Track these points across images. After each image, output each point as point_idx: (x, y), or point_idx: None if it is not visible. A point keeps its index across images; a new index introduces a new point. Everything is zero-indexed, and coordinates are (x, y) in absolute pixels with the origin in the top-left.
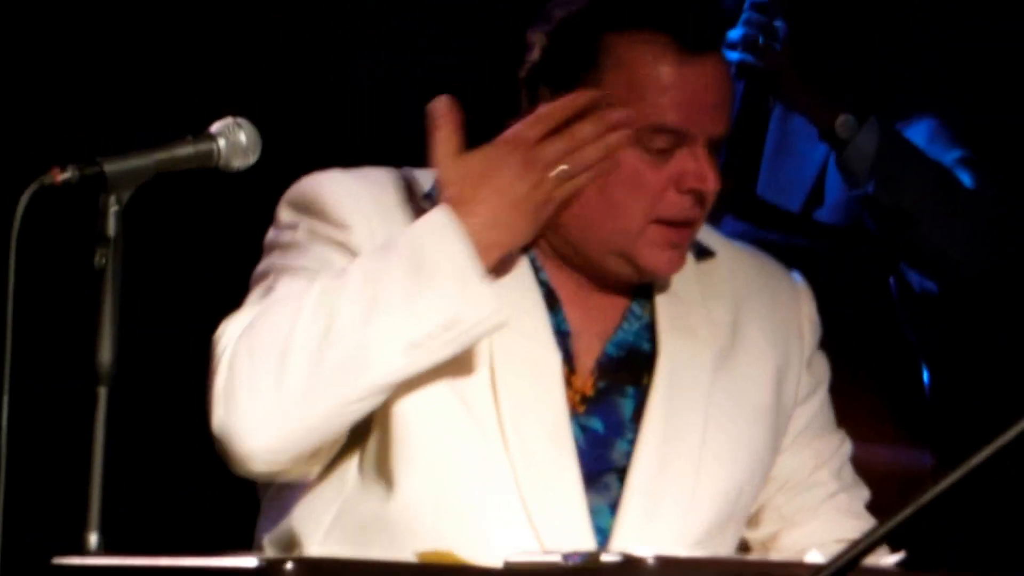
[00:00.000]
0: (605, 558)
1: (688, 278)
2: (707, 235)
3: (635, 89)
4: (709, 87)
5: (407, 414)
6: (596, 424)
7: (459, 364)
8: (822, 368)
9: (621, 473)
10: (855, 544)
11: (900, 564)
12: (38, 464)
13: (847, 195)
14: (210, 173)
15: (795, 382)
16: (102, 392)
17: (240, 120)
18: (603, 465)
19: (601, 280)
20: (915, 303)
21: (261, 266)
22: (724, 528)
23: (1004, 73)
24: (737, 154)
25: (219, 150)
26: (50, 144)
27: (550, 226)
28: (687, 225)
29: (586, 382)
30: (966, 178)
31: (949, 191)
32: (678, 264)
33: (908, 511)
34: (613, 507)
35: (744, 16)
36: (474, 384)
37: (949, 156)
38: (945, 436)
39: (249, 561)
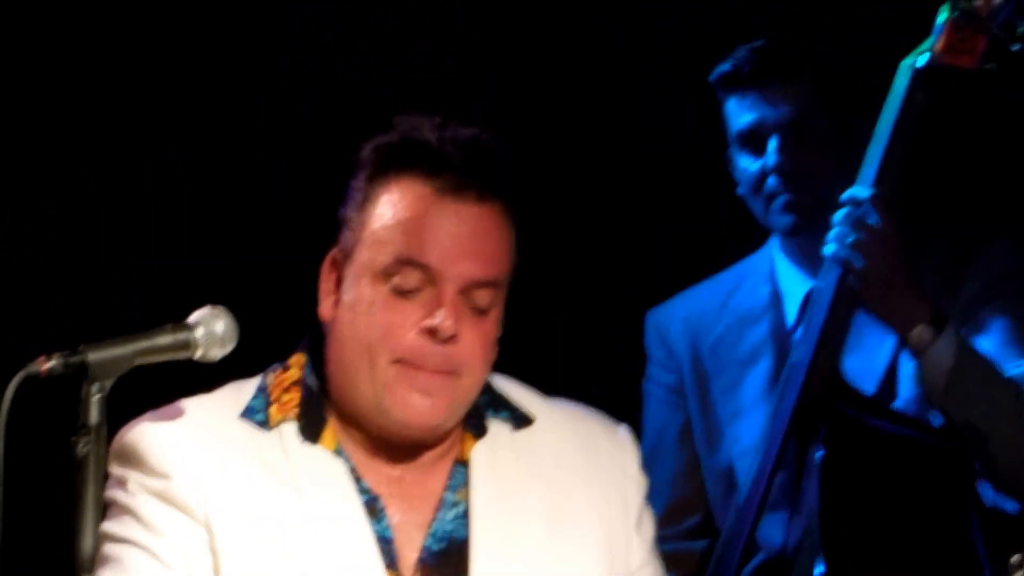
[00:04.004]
0: None
1: (504, 454)
2: (526, 399)
3: (394, 226)
4: (463, 229)
5: None
6: None
7: None
8: (650, 528)
9: None
10: None
11: None
12: None
13: (920, 393)
14: None
15: (625, 550)
16: None
17: (217, 309)
18: None
19: (409, 459)
20: (986, 517)
21: (109, 524)
22: None
23: None
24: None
25: (197, 340)
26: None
27: (332, 401)
28: (439, 373)
29: None
30: None
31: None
32: (432, 416)
33: None
34: None
35: (842, 213)
36: None
37: (1020, 367)
38: None
39: None
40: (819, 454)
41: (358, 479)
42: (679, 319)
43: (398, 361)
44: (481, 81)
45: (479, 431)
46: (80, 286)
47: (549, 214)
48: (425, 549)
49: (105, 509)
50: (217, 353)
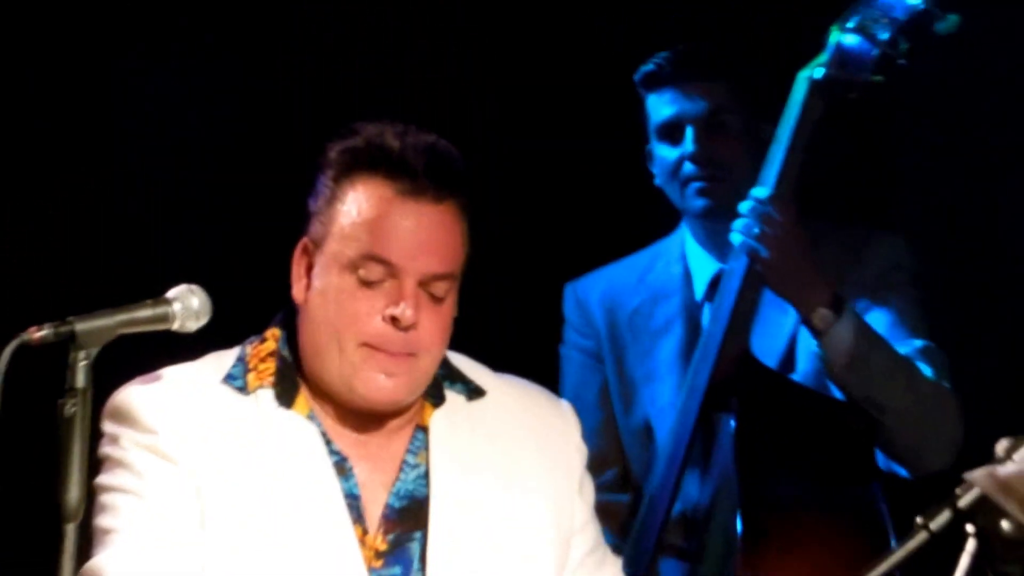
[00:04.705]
0: None
1: (460, 421)
2: (479, 374)
3: (360, 224)
4: (421, 228)
5: None
6: (395, 570)
7: (264, 542)
8: (591, 492)
9: None
10: None
11: None
12: None
13: (816, 367)
14: None
15: (569, 511)
16: (69, 528)
17: (193, 287)
18: None
19: (375, 426)
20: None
21: (103, 477)
22: None
23: None
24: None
25: (174, 314)
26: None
27: (304, 371)
28: (400, 355)
29: (377, 538)
30: (927, 369)
31: (917, 387)
32: (394, 393)
33: None
34: None
35: (748, 206)
36: (282, 559)
37: (910, 345)
38: None
39: None
40: (732, 423)
41: (328, 442)
42: (598, 291)
43: (364, 345)
44: (480, 80)
45: (438, 401)
46: (67, 264)
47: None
48: (388, 506)
49: (99, 464)
50: (192, 325)
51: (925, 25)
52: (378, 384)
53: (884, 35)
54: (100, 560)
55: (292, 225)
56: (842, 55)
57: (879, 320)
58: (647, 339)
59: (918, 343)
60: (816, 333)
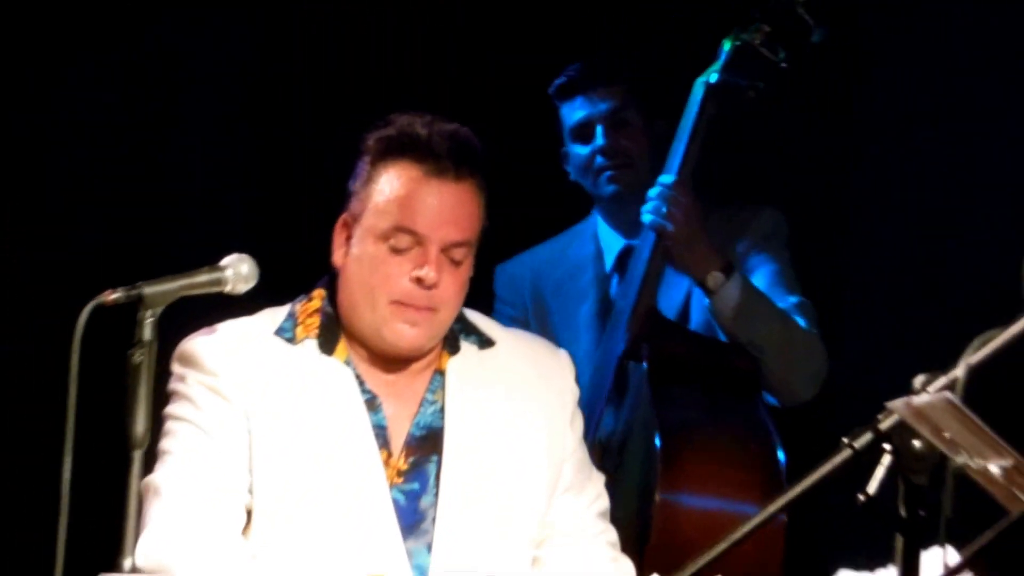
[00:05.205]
0: None
1: (472, 367)
2: (490, 327)
3: (392, 200)
4: (444, 204)
5: (281, 507)
6: (414, 486)
7: (305, 464)
8: (580, 424)
9: (434, 520)
10: None
11: None
12: (90, 508)
13: (708, 319)
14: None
15: (562, 439)
16: (137, 454)
17: (243, 255)
18: (420, 516)
19: (400, 369)
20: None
21: (170, 408)
22: (514, 552)
23: None
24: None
25: (227, 278)
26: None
27: (343, 325)
28: (423, 309)
29: (399, 460)
30: (801, 320)
31: (791, 334)
32: (416, 340)
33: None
34: (429, 547)
35: (656, 190)
36: (319, 477)
37: (787, 301)
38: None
39: None
40: (644, 366)
41: (361, 383)
42: (525, 268)
43: (394, 302)
44: (479, 78)
45: (454, 349)
46: (134, 235)
47: None
48: (410, 435)
49: (167, 398)
50: (242, 288)
51: (801, 36)
52: (404, 333)
53: (765, 46)
54: (158, 475)
55: (323, 204)
56: (732, 63)
57: (761, 280)
58: (569, 304)
59: (793, 299)
60: (709, 293)
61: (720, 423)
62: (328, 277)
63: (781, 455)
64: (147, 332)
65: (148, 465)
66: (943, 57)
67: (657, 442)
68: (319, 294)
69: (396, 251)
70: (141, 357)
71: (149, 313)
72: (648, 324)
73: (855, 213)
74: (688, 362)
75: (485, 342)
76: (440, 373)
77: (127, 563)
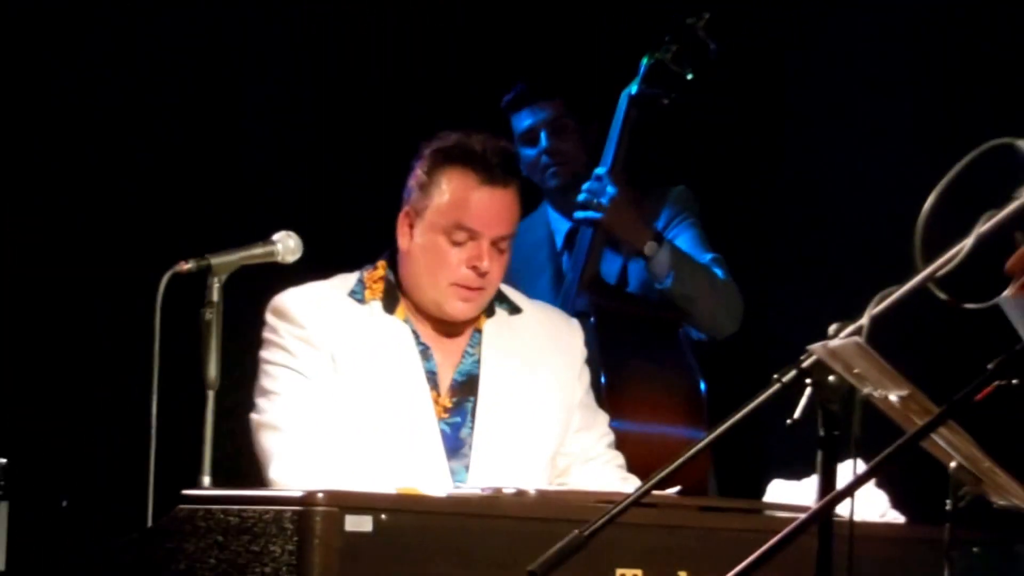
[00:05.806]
0: (506, 490)
1: (503, 328)
2: (518, 298)
3: (450, 201)
4: (494, 205)
5: (354, 433)
6: (457, 419)
7: (373, 399)
8: (587, 378)
9: (471, 446)
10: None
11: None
12: (174, 437)
13: (645, 283)
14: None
15: (572, 389)
16: (211, 394)
17: (290, 232)
18: (460, 443)
19: (448, 329)
20: (693, 345)
21: (264, 353)
22: (534, 473)
23: None
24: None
25: (277, 251)
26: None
27: (404, 291)
28: (475, 289)
29: (445, 399)
30: (719, 271)
31: (714, 283)
32: (470, 311)
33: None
34: (467, 468)
35: (589, 184)
36: (383, 410)
37: (705, 258)
38: (713, 418)
39: (295, 492)
40: (592, 321)
41: (416, 337)
42: None
43: (452, 284)
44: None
45: (490, 314)
46: (201, 212)
47: None
48: (454, 380)
49: (261, 344)
50: (290, 259)
51: (702, 53)
52: (459, 307)
53: (674, 63)
54: (272, 414)
55: (362, 190)
56: (649, 77)
57: (683, 243)
58: (529, 276)
59: (709, 255)
60: (647, 259)
61: (653, 363)
62: (389, 252)
63: (703, 386)
64: (215, 295)
65: (242, 402)
66: (848, 51)
67: (603, 380)
68: (382, 264)
69: (455, 243)
70: (211, 315)
71: (216, 279)
72: (593, 289)
73: (780, 191)
74: (626, 316)
75: (514, 309)
76: (478, 332)
77: (205, 480)
